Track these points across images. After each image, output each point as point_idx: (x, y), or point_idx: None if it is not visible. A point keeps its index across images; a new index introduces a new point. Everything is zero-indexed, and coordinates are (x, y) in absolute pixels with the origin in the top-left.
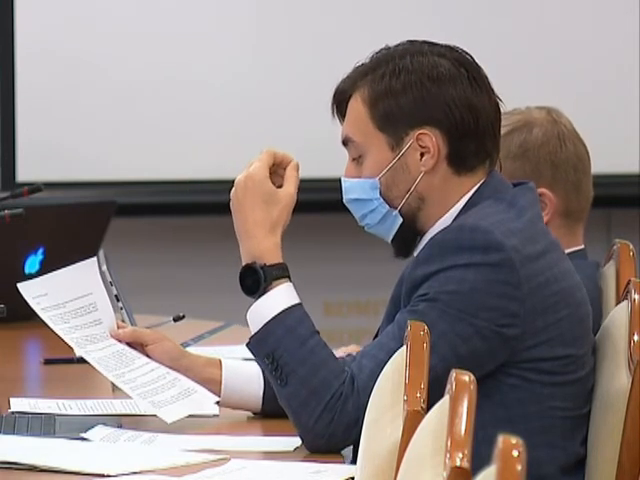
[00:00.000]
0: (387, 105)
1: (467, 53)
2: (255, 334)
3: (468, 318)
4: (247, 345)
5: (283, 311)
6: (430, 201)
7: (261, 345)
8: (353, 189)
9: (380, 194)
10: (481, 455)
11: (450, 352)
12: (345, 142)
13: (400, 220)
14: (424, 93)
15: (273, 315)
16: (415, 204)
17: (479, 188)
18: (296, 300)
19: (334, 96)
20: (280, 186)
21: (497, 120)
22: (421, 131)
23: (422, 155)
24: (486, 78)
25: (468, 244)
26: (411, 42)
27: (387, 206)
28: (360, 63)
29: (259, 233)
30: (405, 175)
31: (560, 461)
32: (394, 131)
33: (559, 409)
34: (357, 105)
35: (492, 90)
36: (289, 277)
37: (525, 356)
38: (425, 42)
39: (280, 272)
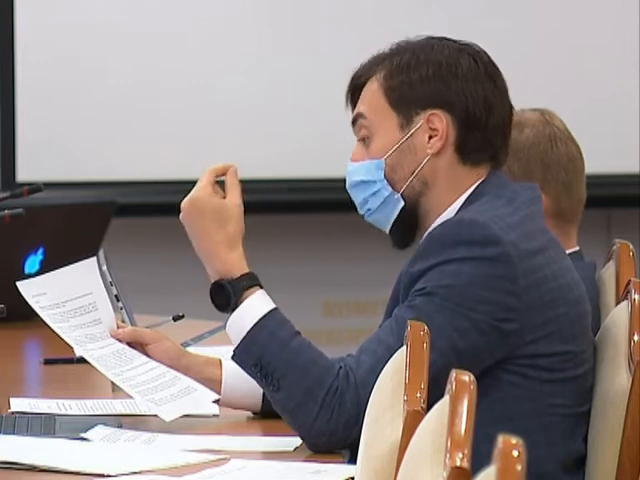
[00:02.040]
0: (402, 84)
1: (486, 53)
2: (238, 346)
3: (465, 312)
4: (232, 358)
5: (261, 318)
6: (433, 187)
7: (246, 355)
8: (357, 171)
9: (384, 176)
10: (481, 453)
11: (448, 347)
12: (355, 121)
13: (401, 204)
14: (441, 79)
15: (252, 324)
16: (419, 188)
17: (479, 185)
18: (271, 306)
19: (350, 81)
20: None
21: (509, 123)
22: (432, 112)
23: (430, 138)
24: (503, 80)
25: (466, 238)
26: (432, 37)
27: (390, 188)
28: (379, 51)
29: (220, 251)
30: (411, 156)
31: (560, 459)
32: (406, 109)
33: (559, 406)
34: (373, 84)
35: (507, 94)
36: (260, 285)
37: (523, 352)
38: (445, 38)
39: (249, 282)
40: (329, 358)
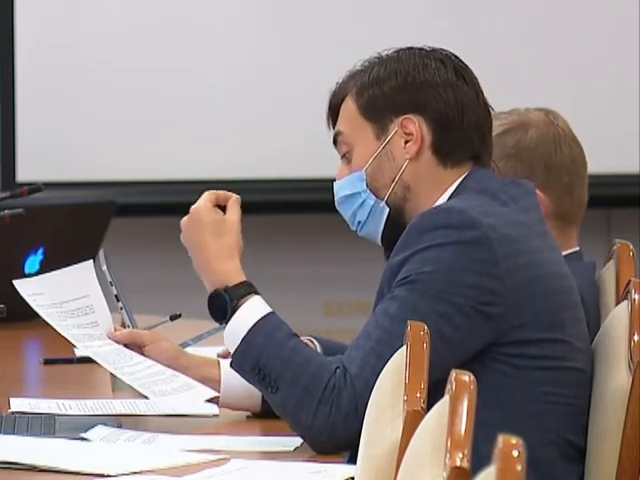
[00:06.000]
0: (372, 93)
1: (456, 55)
2: (235, 350)
3: (449, 297)
4: (231, 365)
5: (257, 322)
6: (416, 191)
7: (244, 359)
8: (342, 188)
9: (367, 186)
10: (475, 439)
11: (435, 334)
12: (335, 139)
13: (387, 210)
14: (409, 82)
15: (248, 328)
16: (401, 193)
17: (462, 181)
18: (268, 309)
19: (329, 102)
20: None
21: (486, 122)
22: (405, 117)
23: (406, 143)
24: (475, 80)
25: (443, 223)
26: (400, 48)
27: (374, 197)
28: (352, 68)
29: (217, 261)
30: (390, 163)
31: (556, 446)
32: (379, 119)
33: (551, 394)
34: (347, 102)
35: (481, 92)
36: (256, 292)
37: (511, 337)
38: (414, 47)
39: (245, 289)
40: (326, 357)
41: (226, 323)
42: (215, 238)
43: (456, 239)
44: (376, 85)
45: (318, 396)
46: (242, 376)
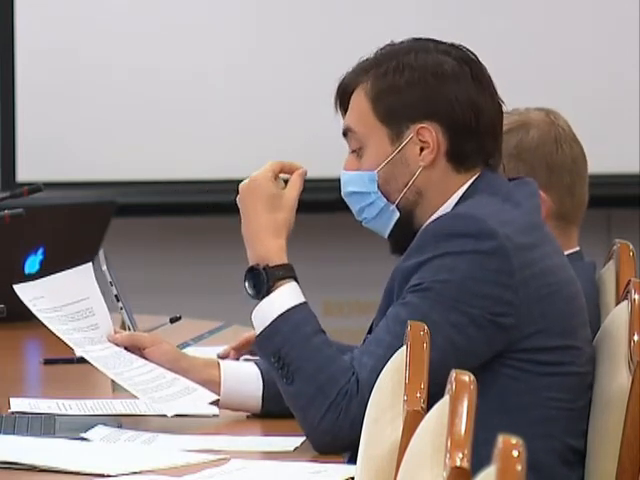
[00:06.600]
0: (389, 99)
1: (472, 52)
2: (261, 332)
3: (462, 307)
4: (253, 345)
5: (288, 310)
6: (428, 197)
7: (267, 344)
8: (352, 182)
9: (378, 187)
10: (477, 441)
11: (446, 343)
12: (345, 133)
13: (397, 215)
14: (427, 88)
15: (279, 314)
16: (413, 198)
17: (473, 182)
18: (301, 299)
19: (337, 90)
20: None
21: (499, 122)
22: (422, 125)
23: (422, 150)
24: (490, 78)
25: (460, 231)
26: (416, 39)
27: (385, 200)
28: (364, 58)
29: (264, 236)
30: (404, 169)
31: (558, 452)
32: (395, 124)
33: (556, 400)
34: (360, 98)
35: (495, 91)
36: (294, 278)
37: (522, 345)
38: (430, 40)
39: (284, 272)
40: (347, 360)
41: (258, 302)
42: (267, 212)
43: (472, 248)
44: (392, 86)
45: (330, 399)
46: (261, 358)
